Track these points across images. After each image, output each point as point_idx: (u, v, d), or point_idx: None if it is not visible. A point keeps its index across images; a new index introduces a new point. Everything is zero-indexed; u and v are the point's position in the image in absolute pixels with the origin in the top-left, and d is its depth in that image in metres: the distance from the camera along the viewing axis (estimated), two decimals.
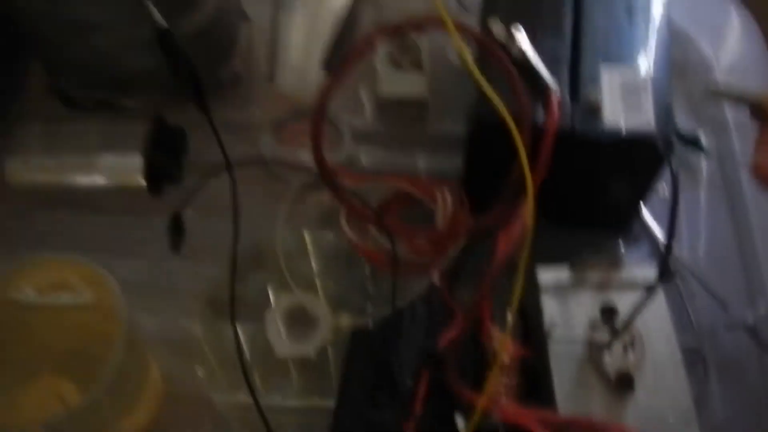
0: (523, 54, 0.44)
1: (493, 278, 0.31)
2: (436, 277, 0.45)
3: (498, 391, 0.35)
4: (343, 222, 0.50)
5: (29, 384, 0.40)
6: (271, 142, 0.58)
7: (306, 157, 0.57)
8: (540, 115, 0.42)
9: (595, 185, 0.45)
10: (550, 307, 0.40)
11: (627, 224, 0.50)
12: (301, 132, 0.60)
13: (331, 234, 0.53)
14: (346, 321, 0.48)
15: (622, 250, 0.51)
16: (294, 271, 0.51)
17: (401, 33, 0.53)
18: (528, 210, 0.34)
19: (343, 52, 0.60)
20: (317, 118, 0.44)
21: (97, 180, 0.53)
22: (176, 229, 0.48)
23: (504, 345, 0.37)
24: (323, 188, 0.55)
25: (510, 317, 0.39)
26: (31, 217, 0.54)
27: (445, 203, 0.50)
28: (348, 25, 0.59)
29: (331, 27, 0.59)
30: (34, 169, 0.52)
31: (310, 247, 0.53)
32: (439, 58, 0.62)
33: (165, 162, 0.54)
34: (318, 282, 0.51)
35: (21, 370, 0.40)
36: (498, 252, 0.30)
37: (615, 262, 0.41)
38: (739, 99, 0.44)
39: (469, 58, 0.40)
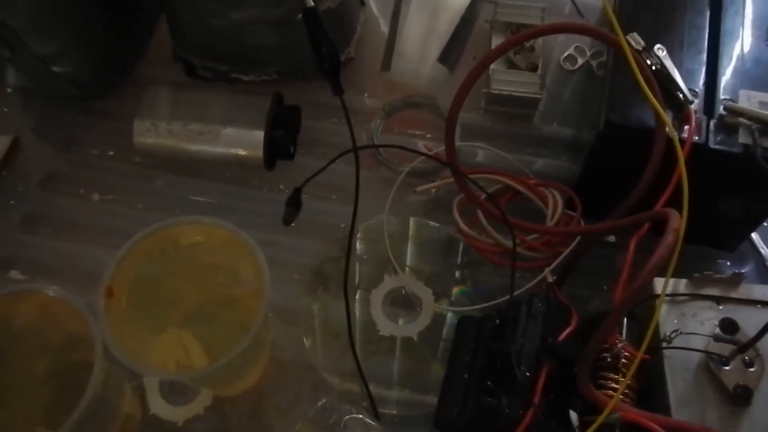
0: (660, 67, 0.44)
1: (645, 281, 0.31)
2: (549, 275, 0.46)
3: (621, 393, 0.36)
4: (456, 214, 0.51)
5: (161, 335, 0.42)
6: (380, 128, 0.59)
7: (412, 146, 0.58)
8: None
9: (717, 202, 0.45)
10: (666, 316, 0.41)
11: (738, 243, 0.50)
12: (410, 122, 0.62)
13: (434, 223, 0.54)
14: (444, 307, 0.50)
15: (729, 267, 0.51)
16: (398, 255, 0.52)
17: (538, 36, 0.54)
18: (682, 220, 0.34)
19: (460, 47, 0.61)
20: (452, 113, 0.45)
21: (218, 150, 0.55)
22: (295, 203, 0.49)
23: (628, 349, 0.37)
24: (429, 178, 0.56)
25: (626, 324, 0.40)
26: (149, 179, 0.57)
27: (555, 204, 0.51)
28: (466, 21, 0.60)
29: (449, 22, 0.60)
30: (160, 133, 0.54)
31: (414, 233, 0.54)
32: (552, 62, 0.63)
33: (282, 138, 0.56)
34: (421, 268, 0.52)
35: (158, 321, 0.42)
36: (655, 258, 0.31)
37: (735, 279, 0.41)
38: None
39: (632, 59, 0.40)
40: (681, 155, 0.39)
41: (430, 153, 0.54)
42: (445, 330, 0.49)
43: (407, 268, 0.52)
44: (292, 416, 0.45)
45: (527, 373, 0.38)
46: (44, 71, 0.55)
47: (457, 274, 0.52)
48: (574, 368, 0.37)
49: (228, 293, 0.44)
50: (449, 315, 0.49)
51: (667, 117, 0.41)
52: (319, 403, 0.42)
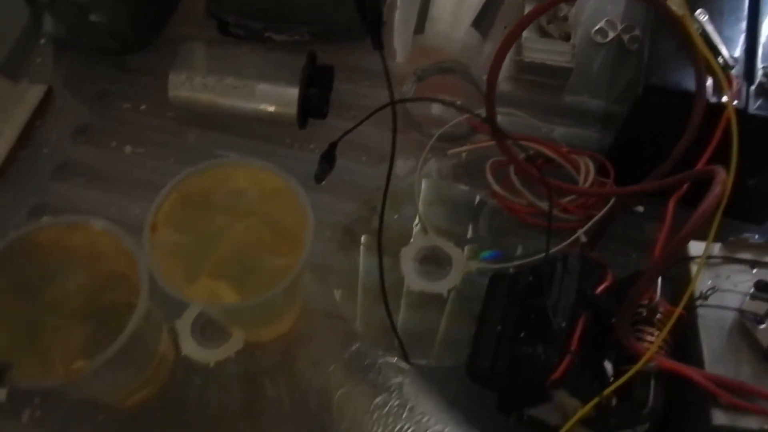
0: (702, 32, 0.44)
1: (684, 239, 0.32)
2: (583, 236, 0.47)
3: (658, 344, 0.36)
4: (489, 176, 0.52)
5: (195, 284, 0.42)
6: (412, 92, 0.60)
7: (444, 110, 0.59)
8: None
9: (752, 172, 0.46)
10: (699, 278, 0.41)
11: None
12: (441, 87, 0.62)
13: (463, 186, 0.54)
14: (473, 266, 0.50)
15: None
16: (429, 215, 0.53)
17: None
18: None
19: (493, 14, 0.61)
20: (493, 73, 0.45)
21: (251, 106, 0.55)
22: (329, 159, 0.49)
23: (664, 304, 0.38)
24: (459, 142, 0.57)
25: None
26: (181, 134, 0.57)
27: (587, 170, 0.51)
28: None
29: None
30: (195, 87, 0.55)
31: (444, 195, 0.54)
32: (585, 32, 0.63)
33: (316, 96, 0.56)
34: (450, 229, 0.53)
35: (194, 267, 0.42)
36: (696, 217, 0.31)
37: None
38: None
39: (690, 23, 0.41)
40: (732, 110, 0.39)
41: (476, 113, 0.53)
42: (473, 288, 0.49)
43: (438, 229, 0.52)
44: (323, 364, 0.45)
45: (563, 324, 0.39)
46: (82, 20, 0.55)
47: (485, 236, 0.53)
48: (611, 321, 0.38)
49: (266, 243, 0.45)
50: (478, 274, 0.49)
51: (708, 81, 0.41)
52: (353, 347, 0.42)
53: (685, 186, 0.40)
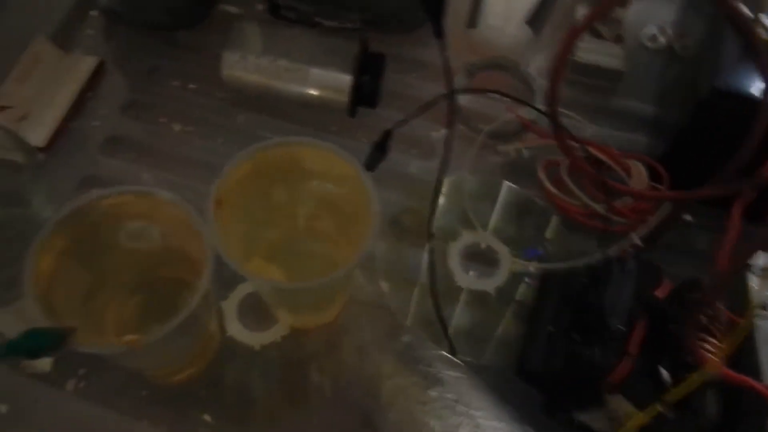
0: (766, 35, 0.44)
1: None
2: (637, 239, 0.46)
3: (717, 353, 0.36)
4: (542, 175, 0.52)
5: (248, 263, 0.42)
6: (462, 86, 0.59)
7: (493, 106, 0.58)
8: None
9: None
10: (758, 290, 0.41)
11: None
12: (492, 82, 0.61)
13: (513, 183, 0.54)
14: (521, 265, 0.50)
15: None
16: (476, 211, 0.52)
17: None
18: None
19: (547, 12, 0.61)
20: (555, 75, 0.45)
21: (303, 90, 0.55)
22: (382, 148, 0.49)
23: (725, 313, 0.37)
24: (508, 140, 0.56)
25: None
26: (230, 115, 0.57)
27: (640, 175, 0.51)
28: None
29: None
30: (248, 67, 0.54)
31: (492, 192, 0.54)
32: (635, 35, 0.63)
33: (368, 84, 0.56)
34: (497, 226, 0.52)
35: (250, 246, 0.42)
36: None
37: None
38: None
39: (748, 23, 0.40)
40: None
41: (542, 109, 0.52)
42: (521, 288, 0.49)
43: (486, 225, 0.52)
44: (369, 353, 0.45)
45: (620, 327, 0.38)
46: None
47: (533, 236, 0.52)
48: (669, 326, 0.37)
49: (322, 229, 0.44)
50: (526, 274, 0.49)
51: None
52: (403, 339, 0.42)
53: (753, 192, 0.39)
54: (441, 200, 0.53)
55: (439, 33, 0.47)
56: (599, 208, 0.48)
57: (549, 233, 0.52)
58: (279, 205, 0.43)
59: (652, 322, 0.38)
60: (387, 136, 0.50)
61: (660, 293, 0.40)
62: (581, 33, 0.44)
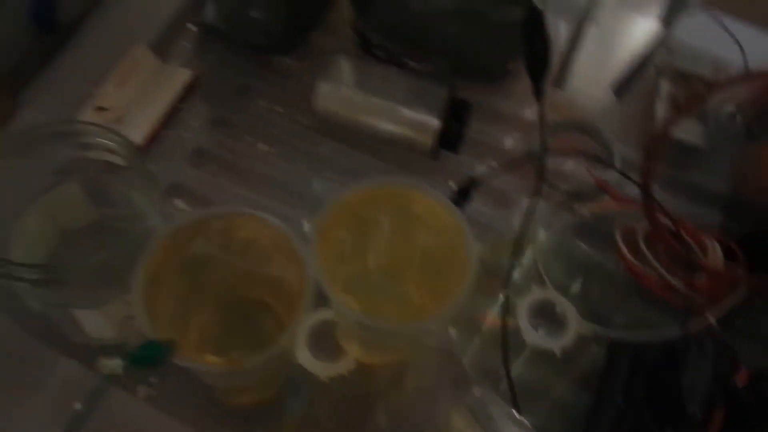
0: None
1: None
2: (712, 320, 0.46)
3: None
4: (620, 241, 0.52)
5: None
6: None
7: (572, 167, 0.59)
8: None
9: None
10: None
11: None
12: (572, 142, 0.62)
13: (584, 244, 0.55)
14: (589, 330, 0.50)
15: None
16: (547, 268, 0.53)
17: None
18: None
19: (632, 80, 0.62)
20: (651, 150, 0.46)
21: (390, 127, 0.56)
22: (466, 194, 0.50)
23: None
24: (584, 200, 0.57)
25: None
26: (314, 142, 0.58)
27: (714, 253, 0.51)
28: (643, 60, 0.61)
29: (628, 53, 0.61)
30: (341, 99, 0.56)
31: (564, 251, 0.55)
32: (716, 113, 0.64)
33: (454, 129, 0.57)
34: (567, 286, 0.53)
35: (334, 280, 0.43)
36: None
37: None
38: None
39: None
40: None
41: (629, 176, 0.53)
42: (587, 352, 0.49)
43: (557, 283, 0.52)
44: (433, 398, 0.45)
45: (697, 413, 0.38)
46: (242, 15, 0.57)
47: (599, 299, 0.53)
48: (749, 417, 0.37)
49: (410, 273, 0.45)
50: (592, 338, 0.49)
51: None
52: (476, 392, 0.42)
53: None
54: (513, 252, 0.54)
55: (539, 94, 0.48)
56: (675, 281, 0.49)
57: (617, 299, 0.52)
58: (374, 241, 0.43)
59: (730, 412, 0.38)
60: (472, 183, 0.51)
61: (739, 381, 0.40)
62: (685, 114, 0.45)
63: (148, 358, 0.30)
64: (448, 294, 0.40)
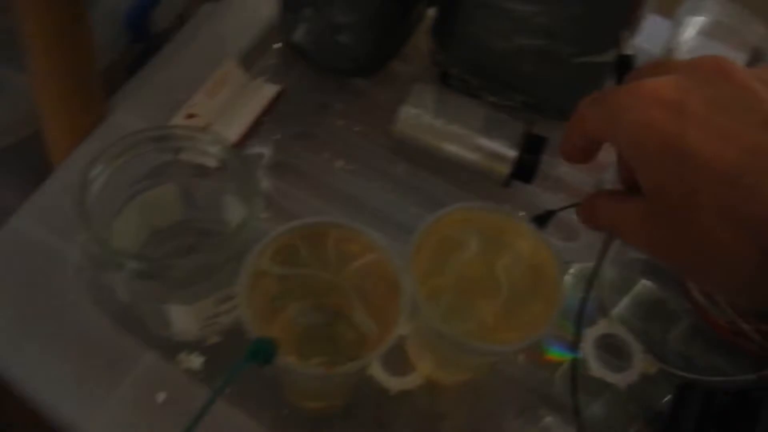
0: None
1: None
2: None
3: None
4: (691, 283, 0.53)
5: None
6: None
7: None
8: None
9: None
10: None
11: None
12: None
13: (649, 282, 0.55)
14: (654, 368, 0.51)
15: None
16: (614, 303, 0.54)
17: None
18: None
19: None
20: None
21: (467, 155, 0.58)
22: (540, 225, 0.51)
23: None
24: None
25: None
26: (392, 161, 0.60)
27: None
28: None
29: None
30: (422, 125, 0.58)
31: (630, 287, 0.55)
32: None
33: (530, 162, 0.58)
34: (633, 322, 0.53)
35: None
36: None
37: None
38: None
39: None
40: None
41: None
42: (653, 390, 0.50)
43: (623, 320, 0.53)
44: (498, 422, 0.46)
45: None
46: (330, 38, 0.60)
47: (660, 338, 0.53)
48: None
49: (487, 294, 0.46)
50: (659, 377, 0.50)
51: None
52: (546, 419, 0.43)
53: None
54: (576, 285, 0.55)
55: None
56: (746, 327, 0.49)
57: (685, 339, 0.53)
58: (457, 262, 0.45)
59: None
60: (549, 215, 0.52)
61: None
62: None
63: (263, 354, 0.31)
64: (530, 322, 0.41)
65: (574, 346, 0.48)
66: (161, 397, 0.44)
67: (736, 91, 0.28)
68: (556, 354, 0.52)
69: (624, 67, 0.48)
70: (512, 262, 0.43)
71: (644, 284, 0.55)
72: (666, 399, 0.49)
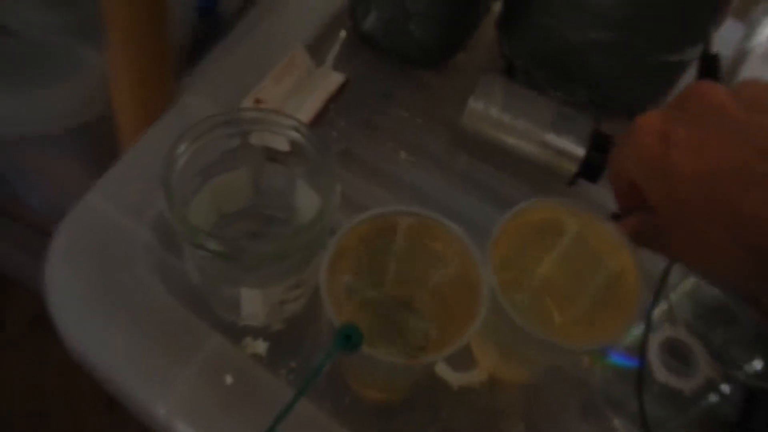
0: None
1: None
2: None
3: None
4: None
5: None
6: None
7: None
8: None
9: None
10: None
11: None
12: None
13: (720, 290, 0.54)
14: (720, 374, 0.50)
15: None
16: (680, 308, 0.53)
17: None
18: None
19: None
20: None
21: (534, 151, 0.57)
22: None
23: None
24: None
25: None
26: (454, 154, 0.60)
27: None
28: None
29: None
30: (489, 119, 0.57)
31: (695, 290, 0.54)
32: None
33: (596, 160, 0.57)
34: (697, 326, 0.52)
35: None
36: None
37: None
38: None
39: None
40: None
41: None
42: (717, 396, 0.49)
43: (688, 324, 0.52)
44: (560, 420, 0.46)
45: None
46: (400, 26, 0.59)
47: (721, 346, 0.52)
48: None
49: (551, 288, 0.46)
50: (727, 384, 0.49)
51: None
52: (614, 422, 0.43)
53: None
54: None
55: None
56: None
57: (753, 346, 0.52)
58: (531, 258, 0.44)
59: None
60: (615, 217, 0.51)
61: None
62: None
63: (352, 340, 0.32)
64: (601, 327, 0.41)
65: (640, 351, 0.47)
66: (228, 379, 0.44)
67: (710, 110, 0.33)
68: (618, 363, 0.51)
69: (710, 66, 0.47)
70: (589, 265, 0.43)
71: (712, 290, 0.54)
72: (730, 405, 0.48)
